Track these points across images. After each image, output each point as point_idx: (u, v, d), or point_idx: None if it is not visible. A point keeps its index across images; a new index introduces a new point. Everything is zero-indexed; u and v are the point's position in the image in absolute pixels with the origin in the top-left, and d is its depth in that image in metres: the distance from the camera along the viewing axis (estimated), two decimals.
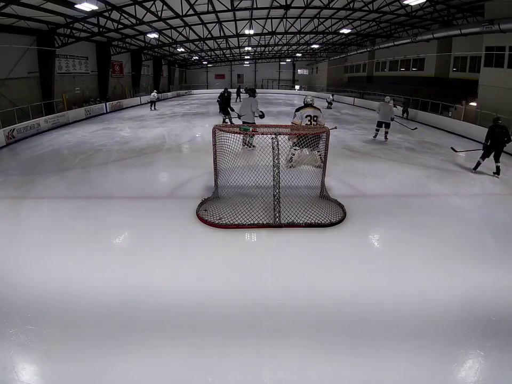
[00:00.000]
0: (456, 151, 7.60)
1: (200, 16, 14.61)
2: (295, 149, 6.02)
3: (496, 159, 6.45)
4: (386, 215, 4.62)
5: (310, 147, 5.34)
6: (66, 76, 16.00)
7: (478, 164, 6.65)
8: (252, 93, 7.93)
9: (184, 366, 2.19)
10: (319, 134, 5.14)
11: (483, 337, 2.41)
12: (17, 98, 12.09)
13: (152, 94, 18.26)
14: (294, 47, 26.61)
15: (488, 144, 6.42)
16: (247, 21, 16.29)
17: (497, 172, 6.45)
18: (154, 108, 18.04)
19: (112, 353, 2.28)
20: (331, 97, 20.31)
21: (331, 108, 19.16)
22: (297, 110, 6.41)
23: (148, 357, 2.24)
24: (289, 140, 5.41)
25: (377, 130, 9.81)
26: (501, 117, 9.27)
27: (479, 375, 2.11)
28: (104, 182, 5.98)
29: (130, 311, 2.68)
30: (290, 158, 6.08)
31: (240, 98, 20.88)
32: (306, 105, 6.39)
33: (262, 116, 7.58)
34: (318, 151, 5.75)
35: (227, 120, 9.41)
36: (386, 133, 9.54)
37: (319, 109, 6.39)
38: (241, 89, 22.32)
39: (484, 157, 6.56)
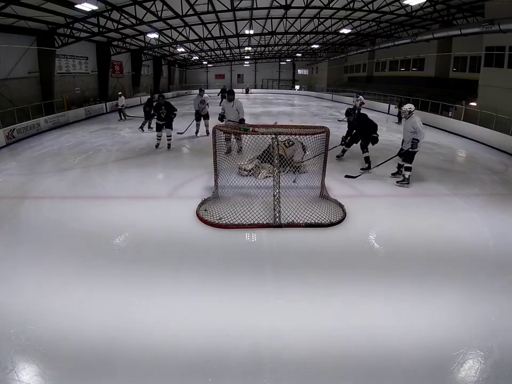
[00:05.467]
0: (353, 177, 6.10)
1: (200, 16, 14.59)
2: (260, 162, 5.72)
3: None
4: (386, 215, 4.63)
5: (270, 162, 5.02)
6: (66, 76, 15.98)
7: (343, 151, 7.11)
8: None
9: (186, 367, 2.21)
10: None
11: (483, 337, 2.41)
12: (17, 98, 12.05)
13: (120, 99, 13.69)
14: (294, 47, 26.60)
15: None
16: (247, 21, 16.28)
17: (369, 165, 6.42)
18: (124, 117, 13.96)
19: (113, 353, 2.28)
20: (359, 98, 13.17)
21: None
22: None
23: (150, 355, 2.24)
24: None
25: None
26: (501, 117, 9.33)
27: (479, 375, 2.11)
28: (104, 182, 5.98)
29: (131, 312, 2.68)
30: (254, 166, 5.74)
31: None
32: None
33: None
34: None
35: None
36: None
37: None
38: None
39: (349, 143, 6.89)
